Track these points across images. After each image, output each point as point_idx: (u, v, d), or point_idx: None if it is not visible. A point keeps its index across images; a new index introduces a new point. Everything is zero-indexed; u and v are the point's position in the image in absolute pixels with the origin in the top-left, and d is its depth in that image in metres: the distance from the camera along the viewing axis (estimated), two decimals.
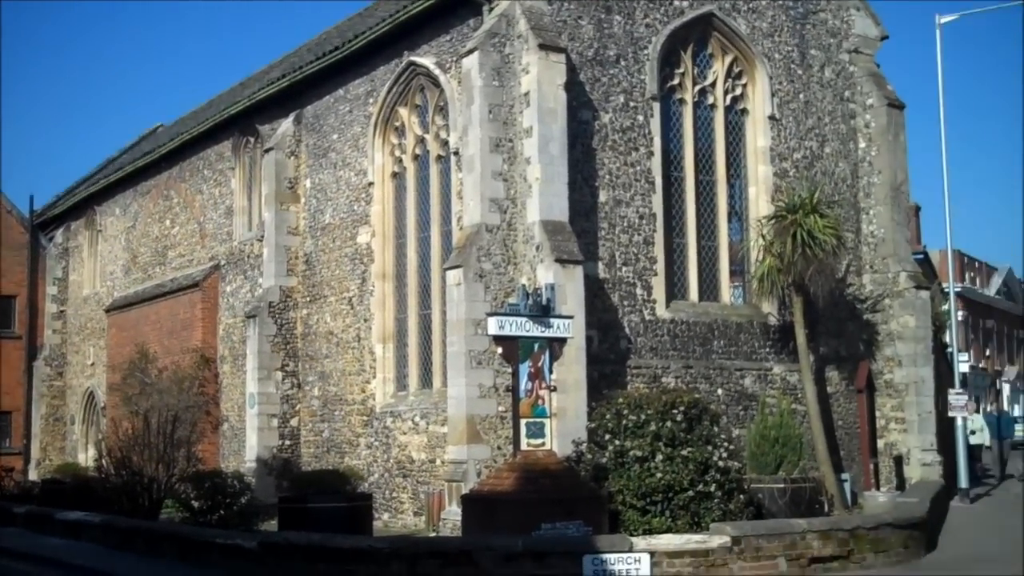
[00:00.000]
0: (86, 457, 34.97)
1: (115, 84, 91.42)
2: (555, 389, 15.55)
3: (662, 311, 20.70)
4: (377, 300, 22.90)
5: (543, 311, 15.18)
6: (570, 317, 15.91)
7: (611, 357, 19.82)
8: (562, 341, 15.47)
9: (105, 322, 34.01)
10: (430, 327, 21.83)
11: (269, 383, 24.79)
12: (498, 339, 15.05)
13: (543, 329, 15.11)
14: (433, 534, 19.25)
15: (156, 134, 40.06)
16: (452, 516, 18.23)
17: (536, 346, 15.08)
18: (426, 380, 21.90)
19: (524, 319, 15.00)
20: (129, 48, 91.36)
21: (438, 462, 20.67)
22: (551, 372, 15.28)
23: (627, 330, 20.19)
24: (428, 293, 22.03)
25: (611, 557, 12.46)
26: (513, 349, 14.97)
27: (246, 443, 25.23)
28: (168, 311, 29.89)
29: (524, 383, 14.97)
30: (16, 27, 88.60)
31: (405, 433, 21.66)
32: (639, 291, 20.49)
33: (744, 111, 22.52)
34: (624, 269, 20.35)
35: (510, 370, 18.41)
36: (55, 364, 37.58)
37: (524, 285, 16.47)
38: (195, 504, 19.01)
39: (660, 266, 20.77)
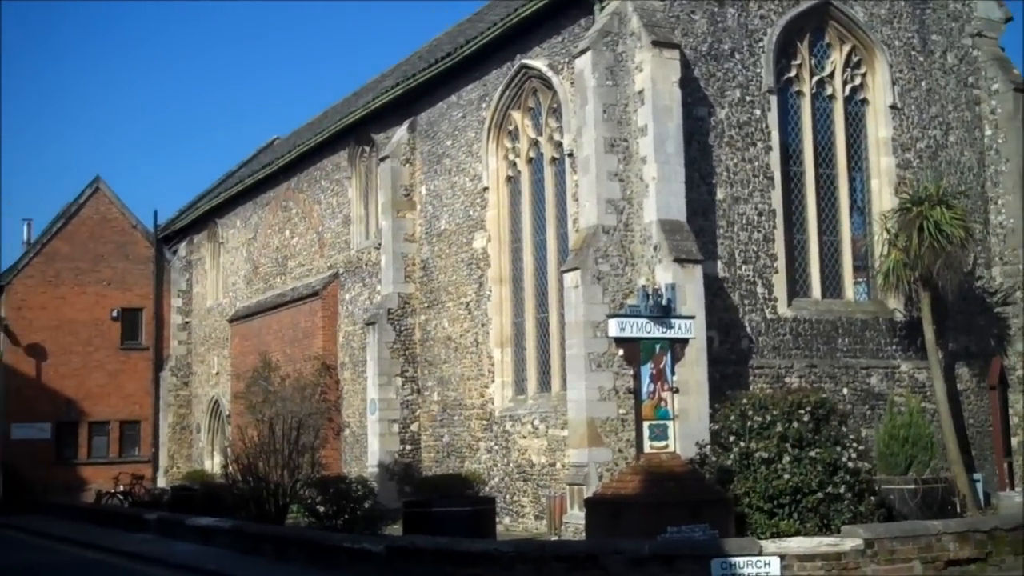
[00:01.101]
0: (212, 464, 35.77)
1: (232, 99, 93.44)
2: (677, 391, 15.31)
3: (784, 309, 20.29)
4: (494, 304, 22.91)
5: (664, 312, 14.96)
6: (691, 317, 15.67)
7: (732, 358, 19.49)
8: (684, 342, 15.23)
9: (228, 332, 34.70)
10: (547, 330, 21.75)
11: (389, 389, 24.98)
12: (619, 341, 14.87)
13: (664, 330, 14.89)
14: (555, 538, 19.11)
15: (273, 147, 40.78)
16: (574, 520, 18.11)
17: (657, 347, 14.87)
18: (544, 383, 21.83)
19: (645, 320, 14.80)
20: (244, 63, 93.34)
21: (558, 465, 20.57)
22: (673, 373, 15.04)
23: (748, 329, 19.85)
24: (545, 296, 21.95)
25: (740, 560, 12.19)
26: (634, 351, 14.79)
27: (368, 449, 25.46)
28: (289, 320, 30.36)
29: (646, 385, 14.77)
30: (133, 46, 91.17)
31: (525, 437, 21.61)
32: (760, 289, 20.13)
33: (864, 101, 21.96)
34: (744, 267, 20.01)
35: (631, 372, 18.27)
36: (181, 374, 38.50)
37: (644, 286, 16.28)
38: (320, 509, 19.26)
39: (781, 263, 20.37)
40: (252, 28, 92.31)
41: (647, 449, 14.68)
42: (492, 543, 14.38)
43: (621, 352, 15.13)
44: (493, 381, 22.85)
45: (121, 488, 32.68)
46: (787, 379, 19.90)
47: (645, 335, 14.78)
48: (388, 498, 21.88)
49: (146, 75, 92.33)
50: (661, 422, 14.83)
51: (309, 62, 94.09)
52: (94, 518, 26.53)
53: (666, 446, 14.81)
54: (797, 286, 20.83)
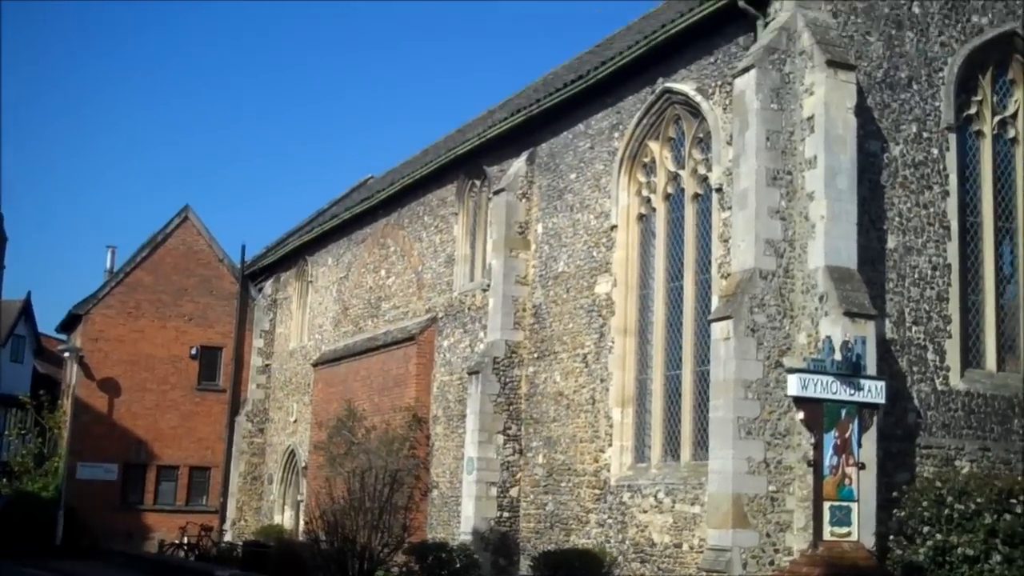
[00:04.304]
0: (283, 518, 33.45)
1: (325, 137, 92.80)
2: (863, 467, 12.64)
3: (956, 381, 17.43)
4: (616, 358, 20.30)
5: (853, 370, 12.45)
6: (882, 379, 13.00)
7: (897, 433, 16.62)
8: (873, 408, 12.77)
9: (311, 377, 32.44)
10: (679, 390, 19.08)
11: (489, 447, 22.40)
12: (800, 401, 12.37)
13: (852, 392, 12.45)
14: None
15: (367, 185, 38.81)
16: None
17: (844, 412, 12.45)
18: (672, 451, 19.12)
19: (831, 379, 12.39)
20: (338, 102, 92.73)
21: (685, 547, 17.82)
22: (860, 445, 12.43)
23: (916, 402, 17.01)
24: (678, 350, 19.31)
25: None
26: (817, 414, 12.29)
27: (461, 513, 22.83)
28: (379, 366, 27.99)
29: (828, 457, 12.24)
30: (231, 78, 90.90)
31: (646, 511, 18.88)
32: (930, 356, 17.32)
33: None
34: (914, 329, 17.23)
35: (784, 443, 15.83)
36: (257, 420, 36.24)
37: (830, 338, 13.58)
38: None
39: (955, 327, 17.57)
40: (351, 69, 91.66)
41: (827, 536, 12.17)
42: None
43: (801, 415, 12.57)
44: (610, 445, 20.18)
45: (187, 539, 30.49)
46: (957, 463, 16.98)
47: (831, 396, 12.30)
48: (482, 570, 19.31)
49: (242, 110, 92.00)
50: (844, 504, 12.32)
51: (408, 104, 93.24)
52: (158, 571, 24.44)
53: (849, 533, 12.31)
54: (970, 355, 18.00)
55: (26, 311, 49.00)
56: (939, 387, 17.31)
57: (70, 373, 37.65)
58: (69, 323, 39.31)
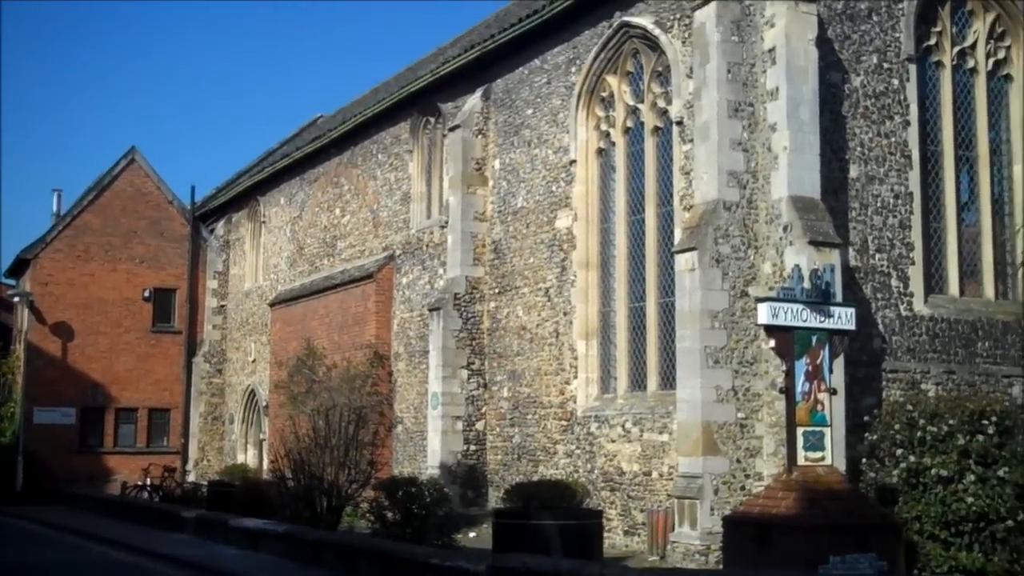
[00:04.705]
0: (246, 457, 33.45)
1: (272, 75, 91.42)
2: (835, 392, 12.88)
3: (920, 306, 17.77)
4: (579, 291, 20.42)
5: (823, 298, 12.63)
6: (851, 305, 13.22)
7: (863, 359, 16.93)
8: (843, 335, 12.88)
9: (268, 317, 32.31)
10: (643, 322, 19.25)
11: (454, 382, 22.52)
12: (770, 330, 12.51)
13: (822, 319, 12.58)
14: (656, 558, 16.74)
15: (317, 124, 38.35)
16: (684, 539, 15.72)
17: (815, 339, 12.56)
18: (638, 381, 19.33)
19: (801, 307, 12.50)
20: (284, 38, 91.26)
21: (655, 475, 18.11)
22: (831, 371, 12.64)
23: (881, 328, 17.33)
24: (641, 283, 19.45)
25: None
26: (788, 342, 12.44)
27: (428, 447, 23.00)
28: (338, 305, 27.92)
29: (801, 384, 12.42)
30: (172, 16, 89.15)
31: (614, 441, 19.12)
32: (894, 282, 17.63)
33: (1008, 77, 19.40)
34: (878, 256, 17.51)
35: (751, 371, 16.09)
36: (215, 361, 36.10)
37: (798, 266, 13.72)
38: (388, 515, 16.91)
39: (918, 254, 17.87)
40: (296, 8, 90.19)
41: (801, 461, 12.31)
42: (625, 570, 11.86)
43: (772, 344, 12.69)
44: (575, 377, 20.36)
45: (150, 481, 30.38)
46: (923, 386, 17.33)
47: (801, 324, 12.45)
48: (453, 503, 19.47)
49: (184, 48, 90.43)
50: (817, 429, 12.49)
51: (352, 44, 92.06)
52: (122, 513, 24.28)
53: (822, 458, 12.47)
54: (933, 281, 18.31)
55: None
56: (903, 313, 17.64)
57: (21, 318, 37.10)
58: (17, 268, 38.66)
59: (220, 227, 37.01)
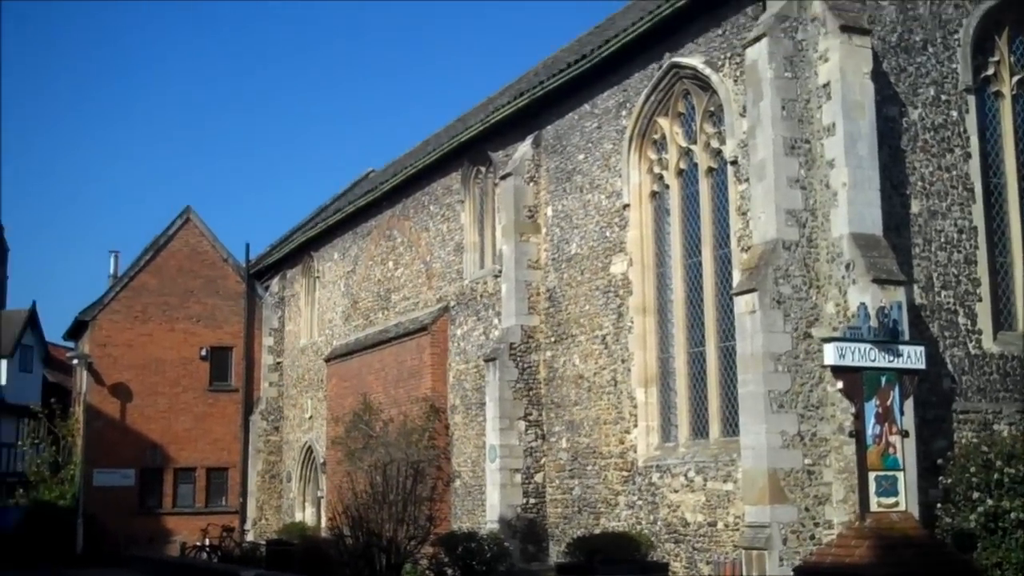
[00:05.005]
0: (304, 515, 33.21)
1: (323, 131, 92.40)
2: (907, 434, 12.39)
3: (989, 344, 17.18)
4: (636, 337, 20.03)
5: (891, 336, 12.15)
6: (921, 343, 12.73)
7: (933, 399, 16.35)
8: (913, 374, 12.40)
9: (324, 373, 32.18)
10: (703, 367, 18.81)
11: (511, 434, 22.14)
12: (837, 371, 12.09)
13: (891, 359, 12.13)
14: None
15: (369, 178, 38.46)
16: None
17: (883, 380, 12.09)
18: (700, 429, 18.85)
19: (869, 346, 12.07)
20: (336, 97, 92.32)
21: (720, 525, 17.58)
22: (902, 413, 12.17)
23: (950, 367, 16.76)
24: (700, 327, 19.02)
25: None
26: (856, 384, 11.97)
27: (486, 501, 22.58)
28: (393, 358, 27.72)
29: (871, 427, 11.93)
30: (226, 81, 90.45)
31: (676, 491, 18.63)
32: (961, 320, 17.07)
33: None
34: (943, 293, 16.97)
35: (817, 415, 15.61)
36: (272, 418, 36.02)
37: (865, 304, 13.28)
38: (448, 572, 16.55)
39: (984, 290, 17.30)
40: (344, 65, 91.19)
41: (873, 507, 11.81)
42: None
43: (839, 385, 12.25)
44: (635, 426, 19.92)
45: (208, 541, 30.23)
46: (995, 427, 16.68)
47: (870, 364, 11.98)
48: (513, 558, 19.07)
49: (239, 107, 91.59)
50: (890, 473, 12.00)
51: (406, 93, 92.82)
52: (183, 574, 24.07)
53: (896, 503, 11.97)
54: (1002, 317, 17.74)
55: (32, 320, 48.66)
56: (972, 351, 17.06)
57: (80, 380, 37.38)
58: (76, 330, 39.05)
59: (275, 284, 37.06)
